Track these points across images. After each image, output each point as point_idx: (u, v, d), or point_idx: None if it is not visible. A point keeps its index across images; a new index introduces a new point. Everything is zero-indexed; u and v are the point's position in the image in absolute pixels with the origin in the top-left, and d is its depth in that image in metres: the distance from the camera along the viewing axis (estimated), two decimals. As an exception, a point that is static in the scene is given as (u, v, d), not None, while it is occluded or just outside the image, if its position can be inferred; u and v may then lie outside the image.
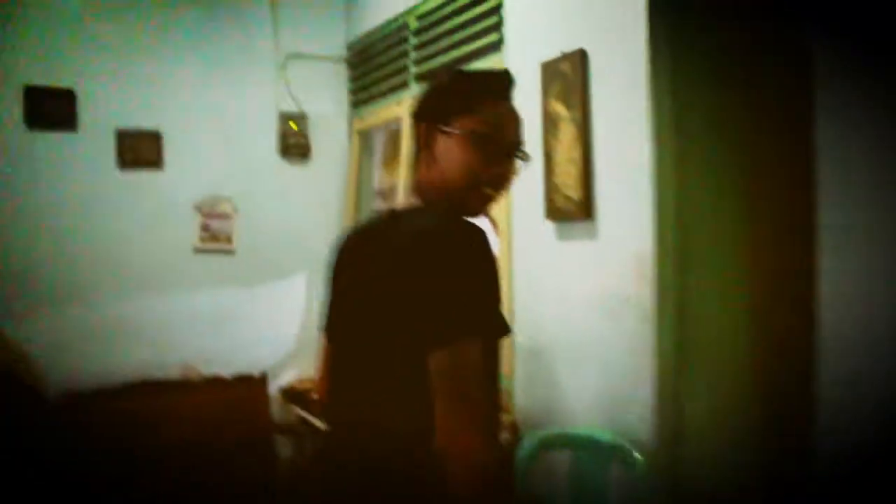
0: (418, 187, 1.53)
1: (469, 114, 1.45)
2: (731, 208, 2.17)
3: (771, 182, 1.92)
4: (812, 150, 1.86)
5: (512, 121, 1.51)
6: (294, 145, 4.25)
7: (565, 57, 2.59)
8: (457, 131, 1.45)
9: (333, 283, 1.58)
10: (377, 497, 1.35)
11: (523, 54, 2.84)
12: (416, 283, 1.33)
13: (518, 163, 1.52)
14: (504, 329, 1.40)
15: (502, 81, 1.54)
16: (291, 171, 4.29)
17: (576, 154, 2.58)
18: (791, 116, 1.94)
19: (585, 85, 2.53)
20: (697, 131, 2.10)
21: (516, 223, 3.00)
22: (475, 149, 1.44)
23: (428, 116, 1.51)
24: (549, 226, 2.77)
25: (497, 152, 1.47)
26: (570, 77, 2.58)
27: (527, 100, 2.82)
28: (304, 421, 3.82)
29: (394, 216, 1.56)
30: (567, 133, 2.61)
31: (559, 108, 2.64)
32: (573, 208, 2.61)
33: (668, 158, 2.25)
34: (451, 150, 1.45)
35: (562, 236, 2.73)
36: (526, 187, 2.90)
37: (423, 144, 1.51)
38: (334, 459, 1.48)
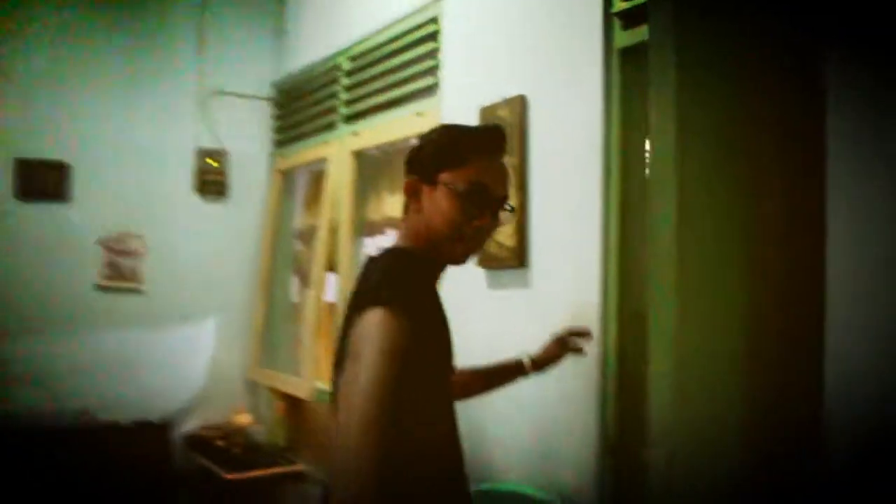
0: (405, 233, 1.59)
1: (456, 168, 1.52)
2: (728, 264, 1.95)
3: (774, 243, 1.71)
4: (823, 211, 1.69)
5: (498, 176, 1.56)
6: (212, 182, 4.10)
7: (505, 102, 2.58)
8: (443, 185, 1.51)
9: None
10: None
11: (460, 99, 2.81)
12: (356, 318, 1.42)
13: (501, 216, 1.58)
14: (416, 314, 1.42)
15: (491, 136, 1.58)
16: (207, 209, 4.13)
17: (512, 200, 2.55)
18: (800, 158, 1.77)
19: (524, 130, 2.51)
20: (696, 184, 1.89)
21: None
22: (459, 203, 1.50)
23: (417, 168, 1.57)
24: (480, 273, 2.72)
25: (481, 206, 1.52)
26: (508, 122, 2.55)
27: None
28: (208, 470, 3.60)
29: (370, 260, 1.61)
30: (504, 179, 2.58)
31: (496, 154, 2.60)
32: (506, 256, 2.57)
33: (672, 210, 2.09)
34: (436, 203, 1.52)
35: (493, 284, 2.67)
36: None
37: (412, 194, 1.57)
38: None
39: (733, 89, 1.58)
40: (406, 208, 1.60)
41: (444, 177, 1.52)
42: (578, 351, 2.11)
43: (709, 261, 1.54)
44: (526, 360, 2.11)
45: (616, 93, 2.25)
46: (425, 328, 1.47)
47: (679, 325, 1.50)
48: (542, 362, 2.11)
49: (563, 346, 2.11)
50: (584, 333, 2.12)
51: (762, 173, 1.61)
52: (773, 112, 1.63)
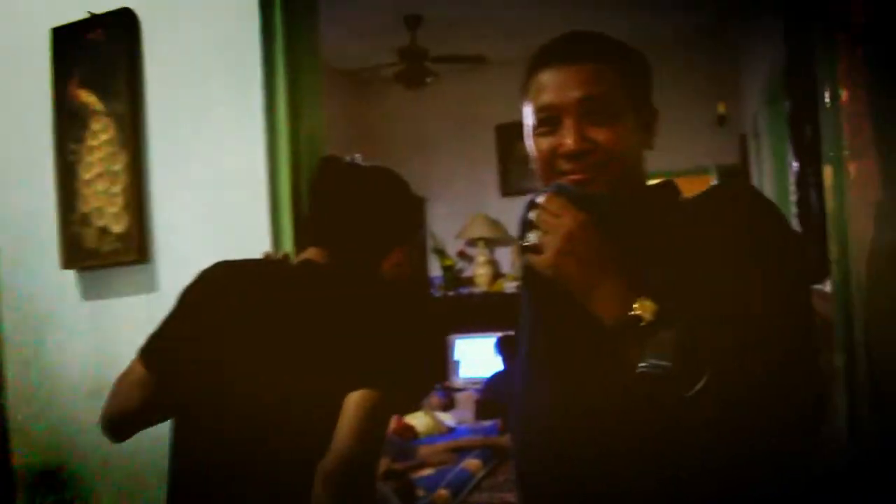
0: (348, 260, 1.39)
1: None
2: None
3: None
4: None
5: None
6: None
7: (97, 20, 1.76)
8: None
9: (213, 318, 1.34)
10: None
11: (19, 21, 1.91)
12: (371, 329, 1.27)
13: None
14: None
15: None
16: None
17: (119, 166, 1.75)
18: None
19: (135, 63, 1.75)
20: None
21: (8, 283, 1.96)
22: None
23: (394, 238, 1.45)
24: (68, 279, 1.85)
25: None
26: (106, 51, 1.75)
27: (24, 86, 1.88)
28: None
29: (315, 269, 1.37)
30: (103, 135, 1.78)
31: (88, 98, 1.79)
32: (115, 247, 1.79)
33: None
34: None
35: (93, 292, 1.85)
36: (20, 225, 1.92)
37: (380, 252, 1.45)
38: None
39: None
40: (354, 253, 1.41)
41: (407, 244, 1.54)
42: None
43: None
44: None
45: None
46: None
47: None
48: None
49: None
50: None
51: None
52: None
